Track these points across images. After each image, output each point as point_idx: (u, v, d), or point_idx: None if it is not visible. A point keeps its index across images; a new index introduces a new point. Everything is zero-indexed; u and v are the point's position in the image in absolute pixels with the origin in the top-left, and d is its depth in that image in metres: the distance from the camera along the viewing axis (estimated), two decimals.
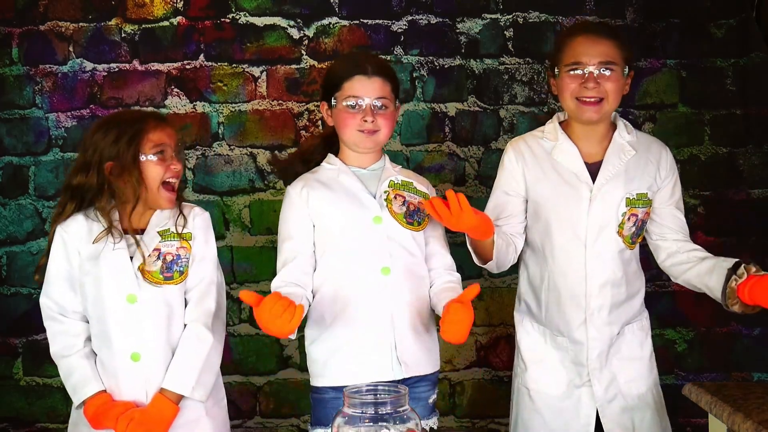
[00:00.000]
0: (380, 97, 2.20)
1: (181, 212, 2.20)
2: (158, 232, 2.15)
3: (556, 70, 2.22)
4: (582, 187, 2.21)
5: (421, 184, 2.30)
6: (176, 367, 2.10)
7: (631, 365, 2.26)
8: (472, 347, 3.23)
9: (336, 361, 2.19)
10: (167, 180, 2.14)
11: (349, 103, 2.20)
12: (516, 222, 2.30)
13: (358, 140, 2.21)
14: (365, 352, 2.17)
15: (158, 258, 2.13)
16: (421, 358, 2.21)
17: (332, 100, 2.23)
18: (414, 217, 2.23)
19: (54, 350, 2.18)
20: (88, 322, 2.16)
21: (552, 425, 2.26)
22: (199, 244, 2.19)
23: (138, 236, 2.14)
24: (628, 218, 2.21)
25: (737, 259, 2.12)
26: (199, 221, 2.21)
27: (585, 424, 2.24)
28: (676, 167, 2.30)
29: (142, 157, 2.11)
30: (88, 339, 2.16)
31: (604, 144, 2.24)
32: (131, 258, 2.12)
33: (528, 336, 2.33)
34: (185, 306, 2.17)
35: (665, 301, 3.19)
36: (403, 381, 2.13)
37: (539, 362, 2.30)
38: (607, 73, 2.15)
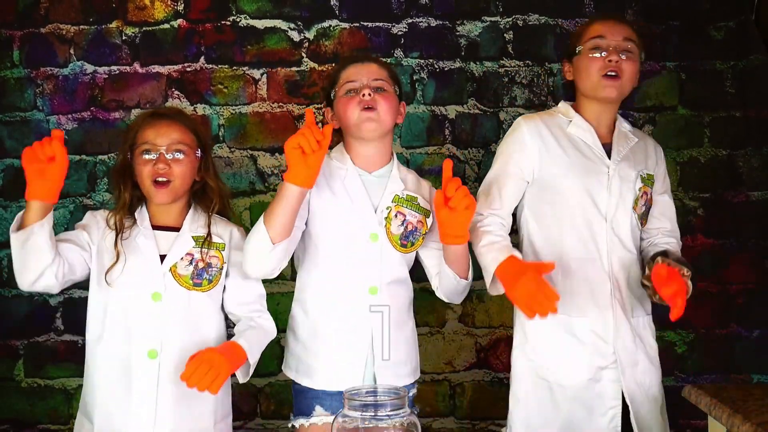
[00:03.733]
0: (376, 79, 2.19)
1: (212, 222, 2.20)
2: (192, 237, 2.17)
3: (577, 49, 2.25)
4: (599, 161, 2.24)
5: (425, 200, 2.26)
6: (252, 340, 2.14)
7: (647, 355, 2.25)
8: (472, 349, 3.24)
9: (310, 361, 2.20)
10: (157, 179, 2.13)
11: (347, 88, 2.19)
12: (505, 214, 2.25)
13: (360, 121, 2.16)
14: (339, 363, 2.17)
15: (190, 263, 2.15)
16: (394, 375, 2.19)
17: (332, 95, 2.23)
18: (409, 239, 2.21)
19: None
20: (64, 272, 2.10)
21: (576, 415, 2.22)
22: (240, 259, 2.18)
23: (171, 233, 2.17)
24: (642, 195, 2.25)
25: (664, 250, 2.15)
26: (237, 237, 2.22)
27: (610, 407, 2.20)
28: (665, 161, 2.36)
29: (139, 156, 2.14)
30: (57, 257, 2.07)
31: (611, 129, 2.29)
32: (162, 256, 2.14)
33: (541, 328, 2.23)
34: (213, 313, 2.19)
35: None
36: None
37: (558, 351, 2.24)
38: (624, 56, 2.20)
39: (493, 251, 2.13)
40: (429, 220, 2.25)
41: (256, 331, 2.18)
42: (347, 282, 2.17)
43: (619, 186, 2.23)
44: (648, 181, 2.27)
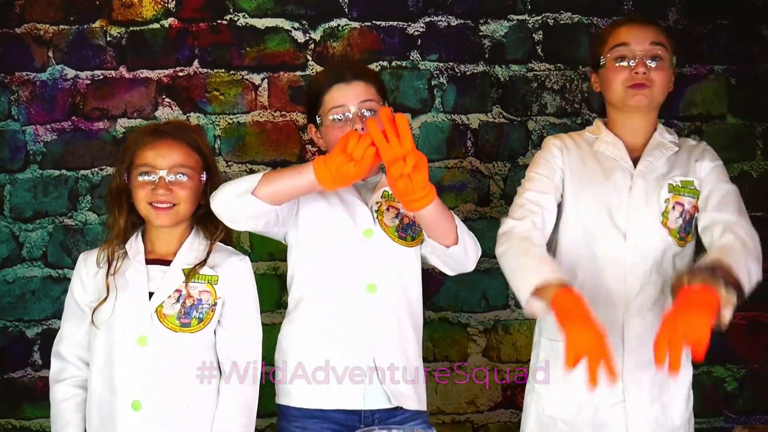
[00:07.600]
0: (365, 101, 2.18)
1: (212, 251, 2.14)
2: (183, 271, 2.10)
3: (601, 60, 2.21)
4: (623, 174, 2.17)
5: None
6: None
7: (672, 391, 2.15)
8: (498, 387, 3.08)
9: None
10: (152, 203, 2.08)
11: (334, 116, 2.18)
12: (533, 195, 2.17)
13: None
14: (339, 374, 2.14)
15: (177, 301, 2.08)
16: (405, 391, 2.16)
17: (317, 120, 2.20)
18: (408, 231, 2.22)
19: (51, 374, 2.17)
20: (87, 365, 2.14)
21: None
22: (238, 296, 2.15)
23: (162, 267, 2.11)
24: (673, 207, 2.15)
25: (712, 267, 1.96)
26: (238, 268, 2.15)
27: None
28: (718, 158, 2.26)
29: (136, 178, 2.12)
30: (84, 388, 2.13)
31: (646, 141, 2.23)
32: (151, 294, 2.09)
33: (547, 354, 2.21)
34: (206, 357, 2.11)
35: (712, 335, 2.98)
36: (386, 411, 2.11)
37: (562, 383, 2.13)
38: (654, 63, 2.15)
39: (536, 263, 2.02)
40: None
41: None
42: (343, 283, 2.17)
43: (642, 197, 2.15)
44: (683, 189, 2.16)
